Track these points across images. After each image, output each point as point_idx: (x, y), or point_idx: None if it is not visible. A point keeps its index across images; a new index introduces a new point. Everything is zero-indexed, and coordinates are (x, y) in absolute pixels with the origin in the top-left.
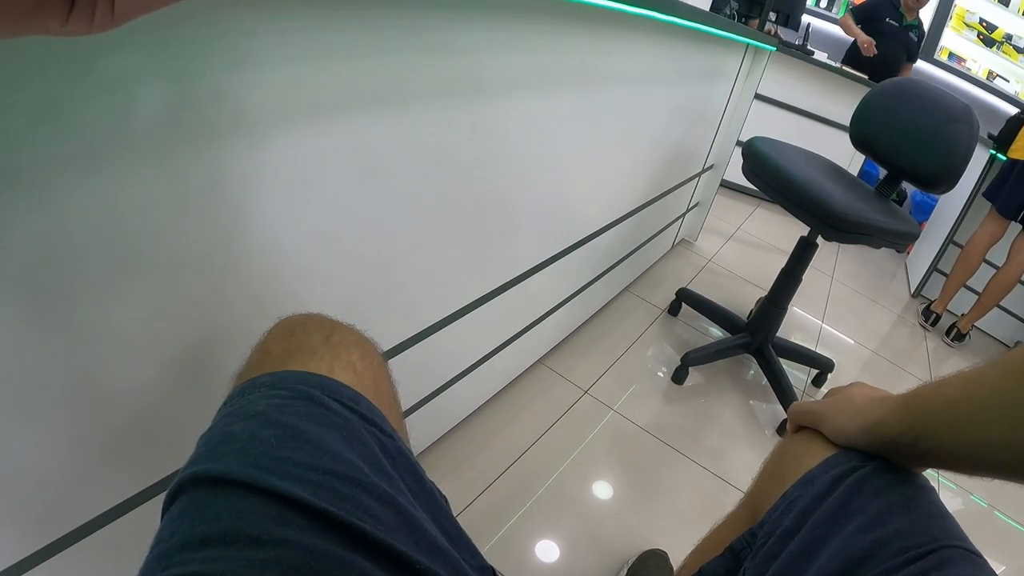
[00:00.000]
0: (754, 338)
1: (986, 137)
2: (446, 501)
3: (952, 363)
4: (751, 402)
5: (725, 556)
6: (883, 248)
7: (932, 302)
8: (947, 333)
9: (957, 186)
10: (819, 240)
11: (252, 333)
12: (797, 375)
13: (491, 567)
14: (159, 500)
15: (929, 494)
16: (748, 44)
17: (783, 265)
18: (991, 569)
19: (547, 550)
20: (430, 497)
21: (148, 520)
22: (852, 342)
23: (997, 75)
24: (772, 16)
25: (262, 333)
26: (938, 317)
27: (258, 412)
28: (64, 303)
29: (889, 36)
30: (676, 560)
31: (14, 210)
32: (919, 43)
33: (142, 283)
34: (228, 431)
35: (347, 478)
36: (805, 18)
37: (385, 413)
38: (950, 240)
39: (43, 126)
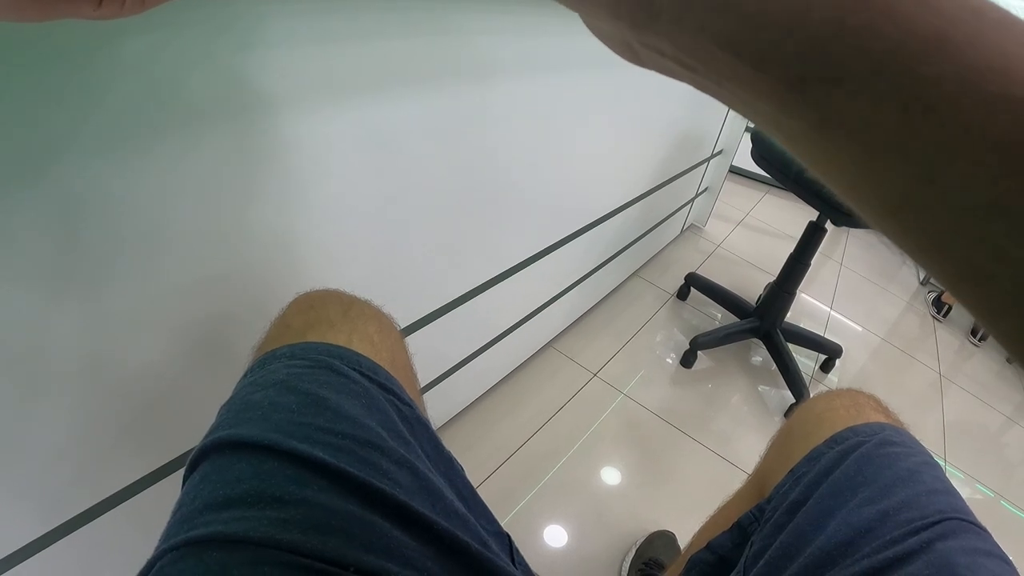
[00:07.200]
0: (763, 323)
1: None
2: (463, 470)
3: (975, 361)
4: (759, 387)
5: (732, 531)
6: None
7: (943, 292)
8: (973, 333)
9: None
10: (828, 225)
11: (269, 310)
12: (805, 361)
13: (507, 534)
14: (179, 475)
15: (934, 469)
16: None
17: (792, 251)
18: (995, 542)
19: (556, 532)
20: (448, 464)
21: (169, 494)
22: (860, 328)
23: None
24: None
25: (281, 308)
26: (949, 308)
27: (279, 381)
28: (83, 281)
29: None
30: (683, 541)
31: (35, 188)
32: None
33: (159, 261)
34: (249, 399)
35: (366, 443)
36: None
37: (403, 384)
38: None
39: (67, 107)
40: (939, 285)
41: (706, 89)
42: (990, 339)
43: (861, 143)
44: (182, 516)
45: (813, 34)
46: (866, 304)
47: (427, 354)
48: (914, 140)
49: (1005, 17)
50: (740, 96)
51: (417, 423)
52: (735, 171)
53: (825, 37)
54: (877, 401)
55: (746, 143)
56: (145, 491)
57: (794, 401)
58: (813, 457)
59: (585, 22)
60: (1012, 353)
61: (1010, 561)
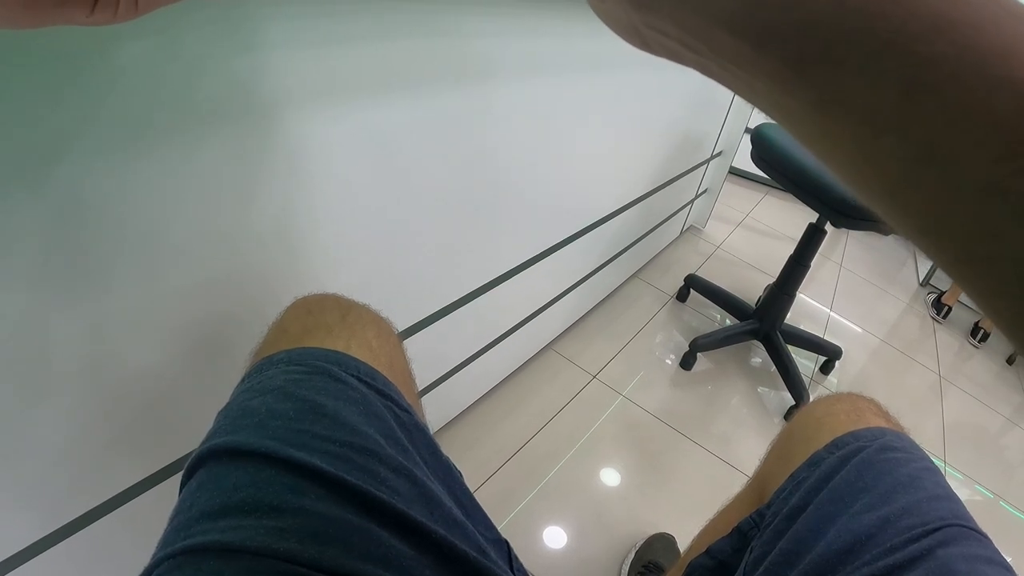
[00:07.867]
0: (762, 324)
1: None
2: (461, 476)
3: (974, 363)
4: (759, 389)
5: (732, 536)
6: (892, 235)
7: (943, 293)
8: (972, 334)
9: None
10: (828, 226)
11: (269, 312)
12: (805, 363)
13: (505, 540)
14: (177, 479)
15: (935, 475)
16: None
17: (791, 252)
18: (996, 548)
19: (555, 534)
20: (446, 471)
21: (168, 498)
22: (860, 330)
23: None
24: None
25: (279, 312)
26: (949, 309)
27: (276, 387)
28: (82, 281)
29: None
30: (683, 544)
31: (36, 188)
32: None
33: (159, 262)
34: (246, 406)
35: (364, 450)
36: None
37: (401, 390)
38: None
39: (68, 107)
40: (939, 287)
41: (711, 73)
42: (990, 341)
43: (861, 123)
44: (179, 524)
45: (813, 13)
46: (866, 305)
47: (427, 356)
48: (914, 121)
49: (1008, 0)
50: (742, 77)
51: (415, 429)
52: (735, 172)
53: (825, 16)
54: (877, 405)
55: (746, 144)
56: (143, 495)
57: (794, 403)
58: (813, 462)
59: (591, 5)
60: (1005, 332)
61: (1011, 568)
